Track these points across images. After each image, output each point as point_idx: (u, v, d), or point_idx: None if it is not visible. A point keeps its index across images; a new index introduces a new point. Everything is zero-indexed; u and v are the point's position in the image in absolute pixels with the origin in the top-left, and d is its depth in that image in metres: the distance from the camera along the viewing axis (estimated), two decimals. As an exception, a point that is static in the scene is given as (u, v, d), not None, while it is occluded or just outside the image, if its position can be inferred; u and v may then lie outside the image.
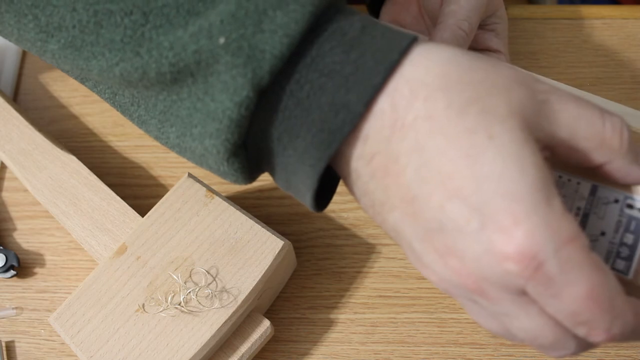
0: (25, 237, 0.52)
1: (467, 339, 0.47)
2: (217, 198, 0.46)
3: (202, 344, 0.41)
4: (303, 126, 0.29)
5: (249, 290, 0.43)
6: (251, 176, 0.34)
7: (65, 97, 0.57)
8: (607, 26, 0.58)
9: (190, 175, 0.47)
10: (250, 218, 0.45)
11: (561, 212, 0.28)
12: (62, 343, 0.48)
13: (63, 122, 0.56)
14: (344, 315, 0.48)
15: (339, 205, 0.52)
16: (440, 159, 0.28)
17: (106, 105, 0.57)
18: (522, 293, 0.29)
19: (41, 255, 0.51)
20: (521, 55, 0.56)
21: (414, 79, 0.28)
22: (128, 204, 0.48)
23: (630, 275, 0.33)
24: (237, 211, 0.45)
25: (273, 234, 0.45)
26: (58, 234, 0.51)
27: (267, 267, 0.43)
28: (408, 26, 0.49)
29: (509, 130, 0.28)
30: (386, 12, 0.51)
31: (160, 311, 0.42)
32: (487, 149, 0.27)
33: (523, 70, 0.30)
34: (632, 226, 0.33)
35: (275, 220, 0.51)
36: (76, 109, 0.57)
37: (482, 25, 0.48)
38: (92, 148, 0.55)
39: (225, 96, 0.29)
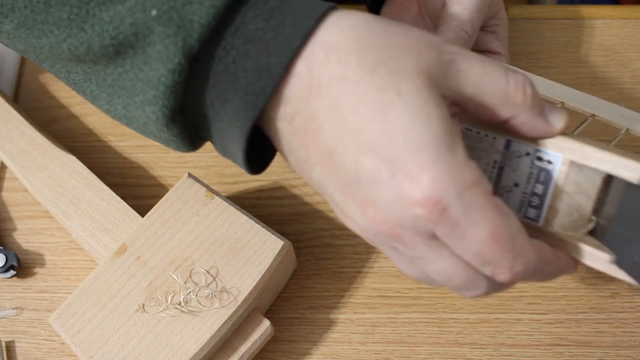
0: (25, 237, 0.52)
1: (467, 339, 0.47)
2: (217, 198, 0.46)
3: (202, 344, 0.41)
4: (230, 91, 0.32)
5: (249, 290, 0.43)
6: (192, 143, 0.36)
7: (65, 97, 0.57)
8: (607, 26, 0.58)
9: (190, 175, 0.47)
10: (250, 218, 0.45)
11: (464, 160, 0.30)
12: (62, 343, 0.48)
13: (63, 122, 0.56)
14: (344, 315, 0.48)
15: (339, 205, 0.52)
16: (353, 116, 0.30)
17: (106, 105, 0.57)
18: (433, 236, 0.31)
19: (41, 255, 0.51)
20: (521, 55, 0.56)
21: (328, 43, 0.30)
22: (128, 204, 0.48)
23: (541, 223, 0.36)
24: (237, 211, 0.45)
25: (273, 234, 0.45)
26: (58, 234, 0.51)
27: (267, 267, 0.43)
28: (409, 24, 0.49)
29: (416, 88, 0.30)
30: (386, 12, 0.51)
31: (160, 311, 0.42)
32: (395, 105, 0.30)
33: (432, 35, 0.32)
34: (542, 177, 0.35)
35: (275, 220, 0.51)
36: (76, 109, 0.57)
37: (483, 27, 0.48)
38: (92, 148, 0.55)
39: (159, 64, 0.31)
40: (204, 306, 0.42)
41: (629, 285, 0.35)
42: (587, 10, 0.58)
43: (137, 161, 0.54)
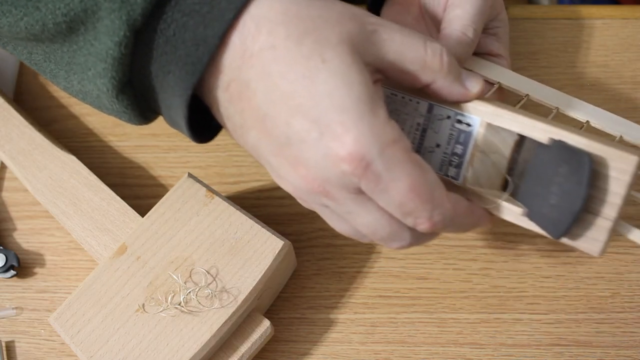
0: (25, 237, 0.52)
1: (467, 339, 0.47)
2: (217, 198, 0.46)
3: (202, 344, 0.41)
4: (172, 62, 0.34)
5: (249, 290, 0.43)
6: (143, 114, 0.38)
7: (66, 97, 0.57)
8: (607, 26, 0.58)
9: (190, 175, 0.47)
10: (250, 218, 0.45)
11: (385, 120, 0.33)
12: (62, 343, 0.48)
13: (63, 122, 0.56)
14: (344, 315, 0.48)
15: (339, 205, 0.52)
16: (283, 82, 0.33)
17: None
18: (359, 191, 0.34)
19: (41, 255, 0.51)
20: (521, 55, 0.56)
21: (259, 15, 0.33)
22: (128, 204, 0.48)
23: (460, 180, 0.39)
24: (237, 211, 0.45)
25: (273, 234, 0.45)
26: (58, 234, 0.51)
27: (267, 267, 0.43)
28: (408, 27, 0.49)
29: (339, 55, 0.33)
30: (386, 13, 0.51)
31: (160, 311, 0.42)
32: (321, 71, 0.32)
33: (356, 7, 0.35)
34: (461, 138, 0.38)
35: (275, 220, 0.51)
36: (76, 109, 0.57)
37: (484, 29, 0.47)
38: (92, 148, 0.55)
39: (107, 38, 0.34)
40: (204, 306, 0.42)
41: (539, 235, 0.38)
42: (587, 10, 0.58)
43: (137, 161, 0.54)
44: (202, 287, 0.43)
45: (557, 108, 0.42)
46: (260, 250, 0.44)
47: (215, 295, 0.43)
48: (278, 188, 0.52)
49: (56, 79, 0.39)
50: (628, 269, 0.48)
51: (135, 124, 0.39)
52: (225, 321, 0.42)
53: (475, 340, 0.47)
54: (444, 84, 0.37)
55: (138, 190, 0.53)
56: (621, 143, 0.41)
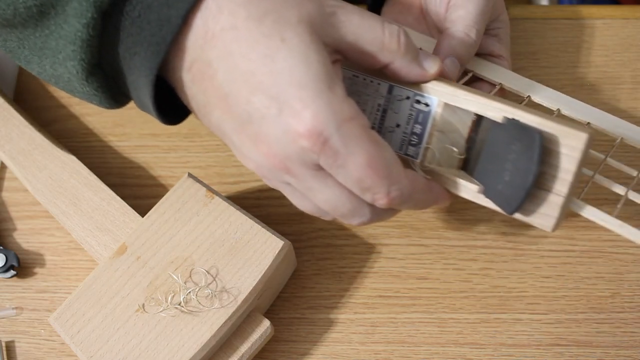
0: (25, 237, 0.52)
1: (467, 339, 0.47)
2: (217, 198, 0.46)
3: (202, 344, 0.41)
4: (137, 43, 0.35)
5: (249, 290, 0.43)
6: (113, 97, 0.39)
7: (66, 97, 0.57)
8: (607, 26, 0.58)
9: (190, 175, 0.47)
10: (250, 218, 0.45)
11: (342, 97, 0.34)
12: (62, 343, 0.48)
13: (63, 122, 0.56)
14: (344, 315, 0.48)
15: (339, 205, 0.52)
16: (244, 61, 0.34)
17: (106, 105, 0.57)
18: (318, 167, 0.35)
19: (41, 255, 0.51)
20: (521, 55, 0.56)
21: None
22: (128, 204, 0.48)
23: (419, 159, 0.40)
24: (237, 211, 0.45)
25: (273, 234, 0.45)
26: (58, 234, 0.51)
27: (267, 267, 0.43)
28: (409, 26, 0.49)
29: (298, 35, 0.33)
30: (387, 12, 0.51)
31: (160, 311, 0.42)
32: (280, 50, 0.33)
33: None
34: (420, 118, 0.40)
35: (275, 220, 0.51)
36: (76, 109, 0.57)
37: (485, 30, 0.47)
38: (92, 148, 0.55)
39: (75, 20, 0.34)
40: (204, 306, 0.42)
41: (495, 211, 0.38)
42: (587, 10, 0.58)
43: (137, 161, 0.54)
44: (202, 287, 0.43)
45: (559, 109, 0.43)
46: (260, 250, 0.44)
47: (215, 295, 0.43)
48: (278, 188, 0.52)
49: (30, 65, 0.39)
50: (628, 269, 0.48)
51: (107, 107, 0.40)
52: (225, 321, 0.42)
53: (475, 340, 0.47)
54: (402, 65, 0.38)
55: (138, 190, 0.53)
56: (622, 143, 0.41)
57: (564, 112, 0.43)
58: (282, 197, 0.52)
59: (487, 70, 0.45)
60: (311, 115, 0.33)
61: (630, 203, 0.39)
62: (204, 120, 0.38)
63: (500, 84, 0.44)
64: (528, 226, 0.50)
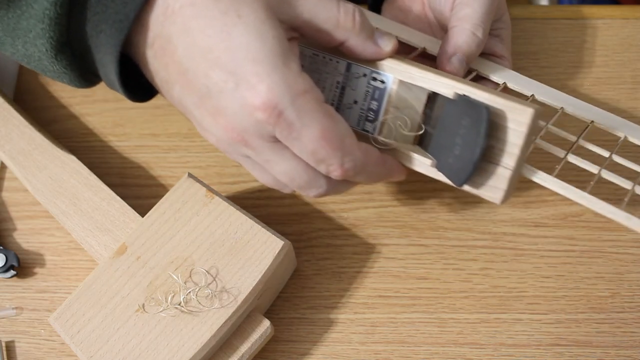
0: (25, 237, 0.52)
1: (467, 339, 0.47)
2: (217, 198, 0.46)
3: (202, 344, 0.41)
4: (103, 21, 0.36)
5: (249, 290, 0.43)
6: (83, 76, 0.40)
7: (65, 97, 0.57)
8: (607, 26, 0.58)
9: (190, 175, 0.47)
10: (250, 218, 0.45)
11: (297, 72, 0.35)
12: (62, 343, 0.48)
13: (63, 122, 0.56)
14: (344, 315, 0.48)
15: (339, 205, 0.52)
16: (202, 37, 0.35)
17: (106, 106, 0.57)
18: (275, 140, 0.37)
19: (41, 255, 0.51)
20: (521, 55, 0.56)
21: None
22: (128, 204, 0.48)
23: (376, 134, 0.42)
24: (237, 211, 0.45)
25: (273, 234, 0.45)
26: (58, 234, 0.51)
27: (267, 267, 0.43)
28: (410, 25, 0.49)
29: (254, 11, 0.35)
30: (387, 9, 0.51)
31: (160, 311, 0.42)
32: (237, 26, 0.34)
33: None
34: (376, 95, 0.41)
35: (275, 220, 0.51)
36: (76, 109, 0.57)
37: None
38: (92, 148, 0.55)
39: None
40: (204, 306, 0.42)
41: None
42: (587, 10, 0.58)
43: (137, 161, 0.54)
44: (202, 287, 0.43)
45: (562, 108, 0.43)
46: (260, 250, 0.44)
47: (215, 295, 0.43)
48: (278, 188, 0.52)
49: (4, 47, 0.40)
50: (628, 269, 0.48)
51: (77, 85, 0.41)
52: (225, 321, 0.42)
53: (475, 340, 0.47)
54: (357, 42, 0.39)
55: (138, 190, 0.53)
56: (625, 141, 0.41)
57: (568, 110, 0.43)
58: (282, 197, 0.52)
59: (491, 71, 0.45)
60: (266, 89, 0.34)
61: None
62: (167, 95, 0.39)
63: (504, 83, 0.45)
64: (528, 226, 0.50)
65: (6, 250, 0.49)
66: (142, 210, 0.47)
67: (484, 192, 0.39)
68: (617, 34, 0.57)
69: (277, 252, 0.44)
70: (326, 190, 0.40)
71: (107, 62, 0.37)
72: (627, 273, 0.48)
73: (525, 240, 0.50)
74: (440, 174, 0.40)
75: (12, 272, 0.49)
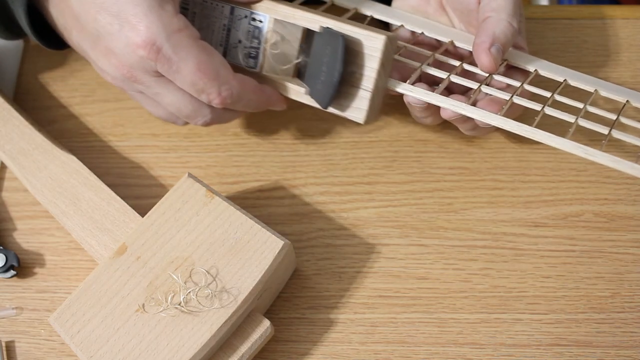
0: (25, 237, 0.52)
1: (467, 339, 0.47)
2: (217, 198, 0.46)
3: (202, 344, 0.41)
4: None
5: (249, 290, 0.43)
6: (8, 29, 0.47)
7: (65, 97, 0.57)
8: (607, 26, 0.58)
9: (190, 175, 0.47)
10: (250, 218, 0.45)
11: (172, 13, 0.41)
12: (62, 343, 0.48)
13: (63, 122, 0.56)
14: (344, 315, 0.48)
15: (339, 205, 0.52)
16: None
17: (106, 106, 0.57)
18: (159, 74, 0.42)
19: (41, 255, 0.51)
20: (521, 55, 0.56)
21: None
22: (128, 204, 0.48)
23: (258, 69, 0.47)
24: (237, 211, 0.45)
25: (273, 234, 0.45)
26: (58, 234, 0.51)
27: (267, 267, 0.43)
28: (428, 17, 0.51)
29: None
30: (398, 2, 0.52)
31: (160, 311, 0.42)
32: None
33: None
34: (256, 33, 0.46)
35: (275, 220, 0.51)
36: (76, 109, 0.57)
37: None
38: (92, 148, 0.55)
39: None
40: (204, 306, 0.42)
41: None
42: (587, 10, 0.58)
43: (137, 161, 0.54)
44: (202, 287, 0.43)
45: (596, 90, 0.46)
46: (260, 250, 0.44)
47: (215, 295, 0.43)
48: (278, 188, 0.52)
49: None
50: (628, 269, 0.48)
51: (3, 37, 0.48)
52: (225, 321, 0.42)
53: (475, 340, 0.47)
54: None
55: (138, 190, 0.53)
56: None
57: (602, 93, 0.46)
58: (282, 197, 0.52)
59: (521, 60, 0.48)
60: (144, 28, 0.39)
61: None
62: (69, 42, 0.45)
63: (535, 70, 0.47)
64: (528, 226, 0.50)
65: (6, 250, 0.49)
66: (142, 210, 0.47)
67: (348, 114, 0.44)
68: (617, 34, 0.57)
69: (277, 252, 0.44)
70: (211, 118, 0.45)
71: (20, 13, 0.43)
72: (627, 273, 0.48)
73: (525, 240, 0.50)
74: (312, 100, 0.45)
75: (12, 272, 0.49)
